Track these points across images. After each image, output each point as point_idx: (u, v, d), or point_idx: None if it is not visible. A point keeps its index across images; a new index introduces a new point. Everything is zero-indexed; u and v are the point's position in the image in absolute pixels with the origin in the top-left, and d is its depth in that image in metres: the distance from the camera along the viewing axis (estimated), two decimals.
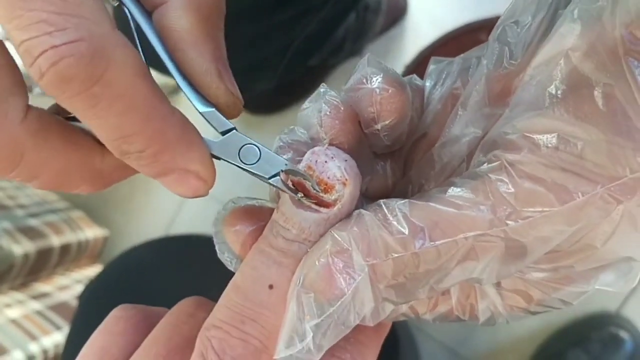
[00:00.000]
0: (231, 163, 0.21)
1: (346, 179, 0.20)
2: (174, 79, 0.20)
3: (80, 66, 0.15)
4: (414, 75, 0.25)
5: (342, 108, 0.21)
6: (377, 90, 0.21)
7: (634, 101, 0.17)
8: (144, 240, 0.68)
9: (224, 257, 0.23)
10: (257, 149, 0.20)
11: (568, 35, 0.18)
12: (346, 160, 0.20)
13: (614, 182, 0.17)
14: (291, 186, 0.20)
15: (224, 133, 0.21)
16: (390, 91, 0.21)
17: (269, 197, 0.24)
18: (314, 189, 0.20)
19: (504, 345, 0.93)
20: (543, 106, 0.18)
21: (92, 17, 0.16)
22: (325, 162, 0.20)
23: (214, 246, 0.23)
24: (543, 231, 0.18)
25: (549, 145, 0.18)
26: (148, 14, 0.20)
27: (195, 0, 0.20)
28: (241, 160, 0.20)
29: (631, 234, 0.18)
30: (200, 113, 0.20)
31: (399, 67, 0.96)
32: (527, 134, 0.18)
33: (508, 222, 0.18)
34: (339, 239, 0.19)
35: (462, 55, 0.24)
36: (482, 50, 0.22)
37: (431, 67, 0.25)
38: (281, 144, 0.22)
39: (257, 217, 0.22)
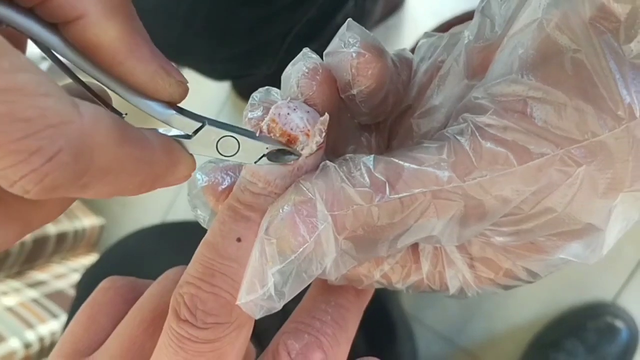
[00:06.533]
0: (211, 157, 0.20)
1: (309, 130, 0.20)
2: (121, 96, 0.18)
3: (68, 174, 0.14)
4: (405, 48, 0.25)
5: (321, 70, 0.21)
6: (354, 54, 0.21)
7: (600, 68, 0.17)
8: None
9: (197, 213, 0.23)
10: (234, 139, 0.20)
11: (543, 4, 0.18)
12: (308, 112, 0.20)
13: (575, 144, 0.18)
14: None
15: (196, 131, 0.19)
16: (367, 56, 0.21)
17: None
18: (281, 145, 0.20)
19: (500, 335, 0.94)
20: (513, 72, 0.18)
21: (59, 116, 0.14)
22: (288, 114, 0.20)
23: None
24: (501, 190, 0.18)
25: (515, 109, 0.18)
26: (56, 31, 0.17)
27: (110, 1, 0.17)
28: (220, 153, 0.20)
29: (592, 200, 0.19)
30: (161, 121, 0.19)
31: None
32: (496, 98, 0.18)
33: (467, 179, 0.18)
34: (304, 188, 0.19)
35: (452, 29, 0.24)
36: None
37: (422, 40, 0.25)
38: (253, 101, 0.22)
39: (233, 174, 0.23)
